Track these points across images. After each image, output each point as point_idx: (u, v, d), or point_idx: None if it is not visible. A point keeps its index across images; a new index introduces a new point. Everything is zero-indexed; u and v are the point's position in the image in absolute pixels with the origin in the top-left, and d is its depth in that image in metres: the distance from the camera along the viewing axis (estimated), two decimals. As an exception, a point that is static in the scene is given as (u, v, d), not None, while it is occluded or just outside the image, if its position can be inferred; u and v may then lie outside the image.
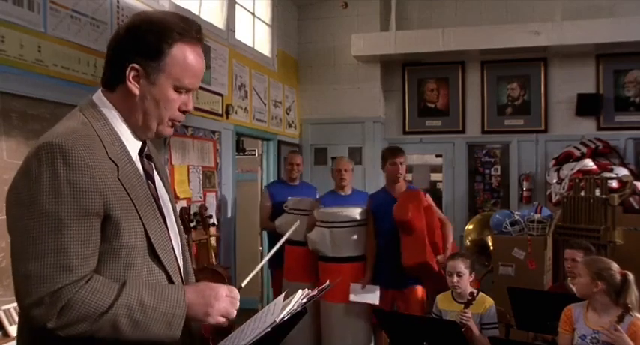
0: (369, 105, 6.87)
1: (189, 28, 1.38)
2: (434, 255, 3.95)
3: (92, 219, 1.23)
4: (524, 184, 6.57)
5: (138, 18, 1.38)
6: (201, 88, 4.71)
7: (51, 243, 1.19)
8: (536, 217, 5.24)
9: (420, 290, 4.16)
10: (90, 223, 1.23)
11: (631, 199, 5.50)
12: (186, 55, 1.37)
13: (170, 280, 1.37)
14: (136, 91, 1.35)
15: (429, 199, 4.16)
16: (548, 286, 4.84)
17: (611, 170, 5.73)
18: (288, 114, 6.74)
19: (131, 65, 1.33)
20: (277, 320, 1.29)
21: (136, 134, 1.41)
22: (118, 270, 1.29)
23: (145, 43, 1.33)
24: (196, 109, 4.62)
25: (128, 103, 1.37)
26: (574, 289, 3.47)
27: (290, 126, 6.82)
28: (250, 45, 5.91)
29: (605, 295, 2.79)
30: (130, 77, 1.34)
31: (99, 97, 1.40)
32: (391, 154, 4.28)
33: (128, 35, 1.35)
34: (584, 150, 6.06)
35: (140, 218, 1.31)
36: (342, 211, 4.29)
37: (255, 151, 6.86)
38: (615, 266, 2.85)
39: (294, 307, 1.36)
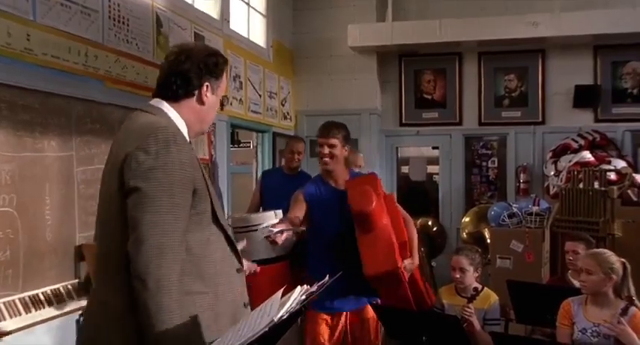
0: (365, 96, 6.79)
1: (221, 53, 1.89)
2: (402, 260, 3.04)
3: (189, 189, 1.64)
4: (522, 176, 6.52)
5: (194, 49, 1.83)
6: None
7: (165, 202, 1.56)
8: (534, 209, 5.21)
9: (371, 309, 3.21)
10: (189, 192, 1.64)
11: (629, 191, 5.47)
12: (226, 74, 1.91)
13: (228, 240, 1.78)
14: (207, 102, 1.82)
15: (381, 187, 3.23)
16: (546, 279, 4.82)
17: (609, 162, 5.70)
18: (283, 105, 6.67)
19: (206, 84, 1.80)
20: (275, 319, 1.23)
21: (191, 136, 1.84)
22: (194, 229, 1.66)
23: (213, 68, 1.81)
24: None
25: (193, 112, 1.82)
26: (575, 282, 3.44)
27: (285, 117, 6.75)
28: (245, 35, 5.82)
29: (611, 289, 2.75)
30: (205, 91, 1.81)
31: (165, 106, 1.77)
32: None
33: (197, 62, 1.78)
34: (582, 142, 6.02)
35: (208, 191, 1.73)
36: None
37: (250, 142, 6.79)
38: (616, 257, 2.82)
39: (293, 305, 1.30)
